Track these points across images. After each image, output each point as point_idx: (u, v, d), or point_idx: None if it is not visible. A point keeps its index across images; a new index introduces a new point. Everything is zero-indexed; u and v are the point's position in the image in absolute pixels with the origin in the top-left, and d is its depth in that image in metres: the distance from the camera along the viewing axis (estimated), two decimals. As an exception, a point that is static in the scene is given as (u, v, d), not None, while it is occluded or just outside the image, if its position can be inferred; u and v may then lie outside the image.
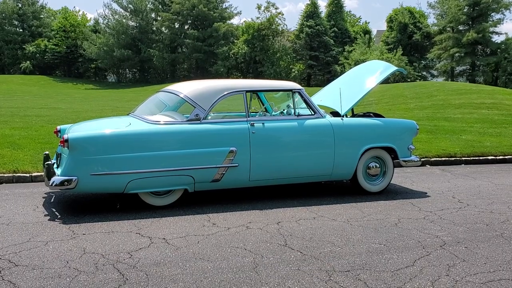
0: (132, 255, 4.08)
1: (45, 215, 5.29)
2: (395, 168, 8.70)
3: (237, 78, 52.96)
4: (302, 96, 6.47)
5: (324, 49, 50.70)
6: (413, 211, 5.85)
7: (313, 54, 50.77)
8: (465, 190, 7.16)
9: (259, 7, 50.41)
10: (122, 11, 55.25)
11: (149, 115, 5.95)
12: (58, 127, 6.43)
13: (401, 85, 31.38)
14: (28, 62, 54.94)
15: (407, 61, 45.24)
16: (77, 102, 27.00)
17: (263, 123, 6.08)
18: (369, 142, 6.62)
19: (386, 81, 40.69)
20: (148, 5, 55.61)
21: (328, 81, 52.87)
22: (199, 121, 5.81)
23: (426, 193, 6.93)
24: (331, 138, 6.35)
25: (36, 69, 56.14)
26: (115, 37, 53.66)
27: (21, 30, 59.32)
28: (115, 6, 55.81)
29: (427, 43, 51.79)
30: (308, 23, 50.71)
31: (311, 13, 51.61)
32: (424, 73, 53.41)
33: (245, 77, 52.87)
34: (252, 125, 5.98)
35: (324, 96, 7.59)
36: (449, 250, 4.43)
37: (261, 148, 5.98)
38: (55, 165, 5.79)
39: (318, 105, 7.53)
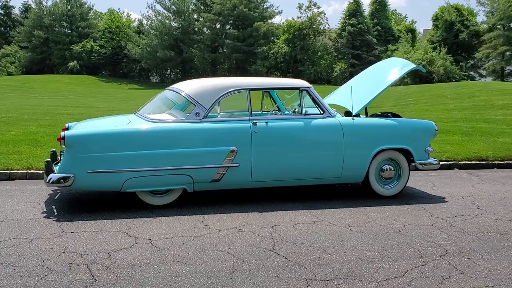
0: (110, 256, 3.99)
1: (42, 212, 5.30)
2: (418, 172, 8.34)
3: (277, 77, 52.81)
4: (310, 95, 6.23)
5: (367, 48, 49.72)
6: (423, 217, 5.50)
7: (355, 53, 49.87)
8: (489, 196, 6.70)
9: (300, 7, 50.02)
10: (165, 12, 56.17)
11: (152, 114, 5.87)
12: (67, 125, 6.46)
13: (442, 85, 30.28)
14: (75, 61, 56.73)
15: (452, 60, 43.59)
16: (117, 101, 27.57)
17: (266, 122, 5.88)
18: (382, 144, 6.29)
19: (428, 81, 39.34)
20: (190, 6, 56.25)
21: (370, 81, 51.89)
22: (199, 120, 5.68)
23: (444, 198, 6.52)
24: (340, 138, 6.07)
25: (84, 69, 57.92)
26: (158, 38, 54.59)
27: (69, 31, 61.32)
28: (158, 7, 56.86)
29: (475, 42, 49.74)
30: (350, 22, 49.86)
31: (354, 11, 50.72)
32: (472, 73, 51.37)
33: (284, 76, 52.62)
34: (255, 124, 5.79)
35: (339, 95, 7.30)
36: (449, 260, 4.10)
37: (263, 148, 5.79)
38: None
39: (331, 104, 7.30)
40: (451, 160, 9.32)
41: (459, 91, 23.87)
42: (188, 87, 6.02)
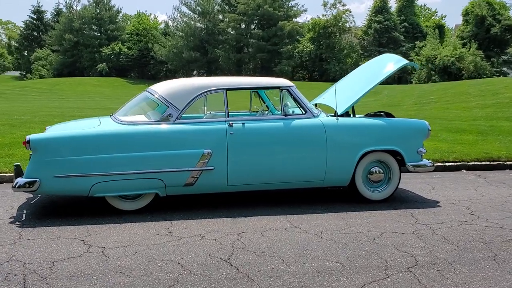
0: (54, 265, 3.83)
1: (10, 217, 5.21)
2: (421, 174, 7.92)
3: (303, 76, 52.32)
4: (291, 94, 5.94)
5: (394, 45, 48.67)
6: (406, 223, 5.14)
7: (382, 50, 48.76)
8: (488, 200, 6.26)
9: (325, 4, 49.43)
10: (191, 13, 56.45)
11: (126, 116, 5.71)
12: (47, 127, 6.38)
13: (468, 82, 29.25)
14: (104, 64, 57.68)
15: (483, 56, 42.16)
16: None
17: (243, 124, 5.63)
18: (369, 145, 5.95)
19: (457, 77, 38.13)
20: (215, 7, 56.36)
21: (399, 78, 50.73)
22: (172, 122, 5.48)
23: (438, 202, 6.13)
24: (323, 139, 5.77)
25: (113, 71, 58.84)
26: (184, 39, 54.91)
27: (98, 34, 62.46)
28: (184, 8, 57.18)
29: (508, 37, 47.98)
30: (376, 19, 48.93)
31: (380, 8, 49.76)
32: (505, 69, 49.58)
33: (310, 75, 52.08)
34: (231, 125, 5.55)
35: (328, 95, 6.97)
36: (415, 273, 3.76)
37: (240, 151, 5.54)
38: None
39: (320, 104, 7.01)
40: (459, 161, 8.85)
41: (483, 88, 22.98)
42: (162, 88, 5.83)
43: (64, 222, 5.04)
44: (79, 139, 5.22)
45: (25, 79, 60.33)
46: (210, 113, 6.59)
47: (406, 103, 22.01)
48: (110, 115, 5.98)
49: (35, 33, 68.71)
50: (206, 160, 5.43)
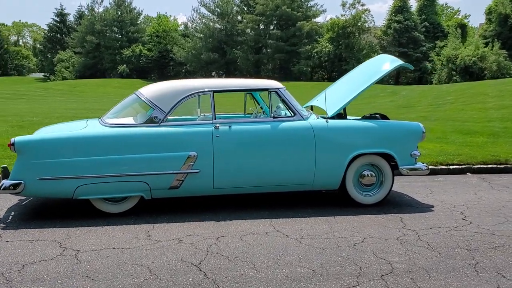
0: (23, 268, 3.84)
1: (-5, 219, 5.26)
2: (422, 176, 7.73)
3: (322, 77, 52.01)
4: (280, 96, 5.86)
5: (414, 44, 48.00)
6: (393, 228, 5.01)
7: (402, 50, 48.23)
8: (485, 205, 6.06)
9: (343, 4, 49.05)
10: (210, 14, 56.71)
11: (112, 118, 5.71)
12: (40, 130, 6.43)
13: (487, 82, 28.59)
14: (124, 66, 58.38)
15: (506, 56, 41.19)
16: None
17: (229, 126, 5.57)
18: (359, 148, 5.83)
19: (480, 78, 37.28)
20: (234, 8, 56.47)
21: (419, 78, 49.97)
22: (157, 124, 5.46)
23: (432, 207, 5.96)
24: (311, 142, 5.67)
25: (133, 72, 59.53)
26: (202, 40, 55.21)
27: (119, 36, 63.24)
28: (203, 10, 57.46)
29: (533, 35, 46.77)
30: (396, 18, 48.31)
31: (400, 7, 49.11)
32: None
33: (330, 76, 51.73)
34: (217, 128, 5.50)
35: (323, 97, 6.85)
36: (388, 281, 3.65)
37: (226, 153, 5.48)
38: None
39: (313, 105, 6.91)
40: (464, 164, 8.61)
41: (502, 88, 22.42)
42: (149, 90, 5.82)
43: (47, 224, 5.06)
44: (62, 142, 5.24)
45: (48, 80, 61.49)
46: (204, 115, 6.56)
47: (422, 104, 21.63)
48: (99, 118, 5.99)
49: (58, 35, 70.02)
50: (191, 163, 5.39)
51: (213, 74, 57.27)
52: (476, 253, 4.27)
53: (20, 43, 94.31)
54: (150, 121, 5.47)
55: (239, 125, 5.65)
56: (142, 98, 5.69)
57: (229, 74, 55.15)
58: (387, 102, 25.34)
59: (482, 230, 4.99)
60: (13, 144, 5.12)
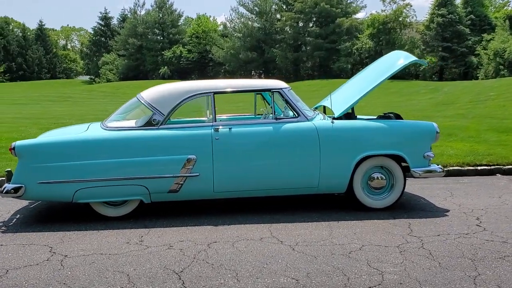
0: (7, 273, 3.84)
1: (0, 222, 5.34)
2: (446, 177, 7.35)
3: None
4: (283, 96, 5.67)
5: (458, 39, 46.16)
6: (397, 235, 4.73)
7: (446, 45, 46.53)
8: (507, 210, 5.65)
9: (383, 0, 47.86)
10: (248, 13, 56.73)
11: (113, 121, 5.69)
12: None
13: (535, 76, 27.08)
14: (165, 67, 59.33)
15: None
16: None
17: (230, 128, 5.44)
18: (367, 149, 5.56)
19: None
20: (273, 6, 56.23)
21: (465, 74, 48.08)
22: (156, 127, 5.39)
23: (448, 211, 5.62)
24: (315, 144, 5.45)
25: (174, 73, 60.39)
26: (241, 40, 55.29)
27: (161, 38, 64.29)
28: (241, 9, 57.51)
29: None
30: (439, 12, 46.61)
31: (444, 1, 47.35)
32: None
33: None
34: (217, 130, 5.38)
35: (333, 95, 6.60)
36: (373, 295, 3.41)
37: (226, 156, 5.36)
38: None
39: (321, 106, 6.68)
40: (493, 165, 8.12)
41: (550, 82, 21.19)
42: (148, 93, 5.77)
43: (46, 227, 5.09)
44: (61, 145, 5.27)
45: (93, 83, 63.31)
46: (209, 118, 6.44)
47: (462, 100, 20.73)
48: (101, 122, 6.01)
49: (103, 38, 72.00)
50: (190, 166, 5.29)
51: (252, 73, 57.27)
52: (480, 264, 3.95)
53: (69, 47, 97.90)
54: (149, 124, 5.41)
55: (239, 127, 5.50)
56: (142, 101, 5.64)
57: (267, 73, 54.99)
58: (427, 99, 24.48)
59: (495, 237, 4.63)
60: (13, 148, 5.18)
